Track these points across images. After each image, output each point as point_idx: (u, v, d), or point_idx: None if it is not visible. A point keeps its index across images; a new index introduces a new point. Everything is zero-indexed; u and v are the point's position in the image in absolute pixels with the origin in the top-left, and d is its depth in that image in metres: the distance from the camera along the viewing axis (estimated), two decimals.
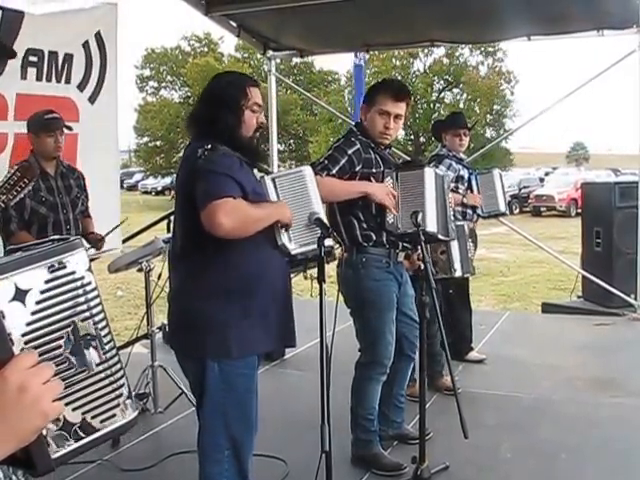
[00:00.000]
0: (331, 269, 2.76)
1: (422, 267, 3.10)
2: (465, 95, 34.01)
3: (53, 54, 4.80)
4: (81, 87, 5.06)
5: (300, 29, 6.84)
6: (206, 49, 38.60)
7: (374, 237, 3.34)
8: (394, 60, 32.56)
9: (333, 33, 6.84)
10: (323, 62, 37.14)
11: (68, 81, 4.97)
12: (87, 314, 1.10)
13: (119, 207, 5.52)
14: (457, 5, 5.73)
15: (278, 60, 8.26)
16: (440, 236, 3.39)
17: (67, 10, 4.87)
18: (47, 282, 1.06)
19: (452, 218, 3.61)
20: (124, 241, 5.51)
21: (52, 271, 1.07)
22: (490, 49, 32.39)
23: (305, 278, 2.68)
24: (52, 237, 1.18)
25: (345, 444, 3.48)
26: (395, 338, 3.40)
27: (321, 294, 2.48)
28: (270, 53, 7.46)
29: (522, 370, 5.05)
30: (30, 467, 1.02)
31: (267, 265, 2.47)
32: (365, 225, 3.34)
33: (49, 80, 4.82)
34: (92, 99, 5.14)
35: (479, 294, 9.95)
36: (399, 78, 31.76)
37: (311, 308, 2.67)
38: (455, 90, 34.49)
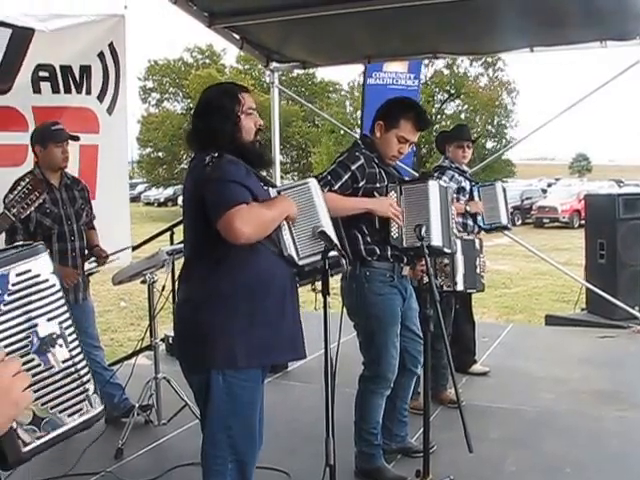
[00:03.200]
0: (335, 281, 2.75)
1: (425, 280, 3.09)
2: (466, 106, 34.02)
3: (66, 67, 4.76)
4: (100, 98, 5.04)
5: (303, 41, 6.85)
6: (208, 61, 38.78)
7: (378, 251, 3.32)
8: None
9: (336, 45, 6.84)
10: (324, 73, 37.36)
11: (89, 92, 4.93)
12: (53, 314, 1.18)
13: (129, 218, 5.52)
14: (459, 17, 5.73)
15: (280, 72, 8.26)
16: (445, 249, 3.36)
17: (78, 23, 4.83)
18: (14, 284, 1.15)
19: (454, 231, 3.60)
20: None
21: (18, 274, 1.15)
22: (489, 60, 32.44)
23: (313, 290, 2.67)
24: (16, 244, 1.26)
25: (348, 457, 3.46)
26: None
27: (325, 307, 2.47)
28: (273, 65, 7.46)
29: (526, 383, 5.04)
30: (1, 460, 1.08)
31: (273, 275, 2.45)
32: (369, 239, 3.32)
33: (68, 92, 4.79)
34: (110, 110, 5.11)
35: (482, 306, 9.93)
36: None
37: (314, 320, 2.66)
38: (456, 101, 34.51)
